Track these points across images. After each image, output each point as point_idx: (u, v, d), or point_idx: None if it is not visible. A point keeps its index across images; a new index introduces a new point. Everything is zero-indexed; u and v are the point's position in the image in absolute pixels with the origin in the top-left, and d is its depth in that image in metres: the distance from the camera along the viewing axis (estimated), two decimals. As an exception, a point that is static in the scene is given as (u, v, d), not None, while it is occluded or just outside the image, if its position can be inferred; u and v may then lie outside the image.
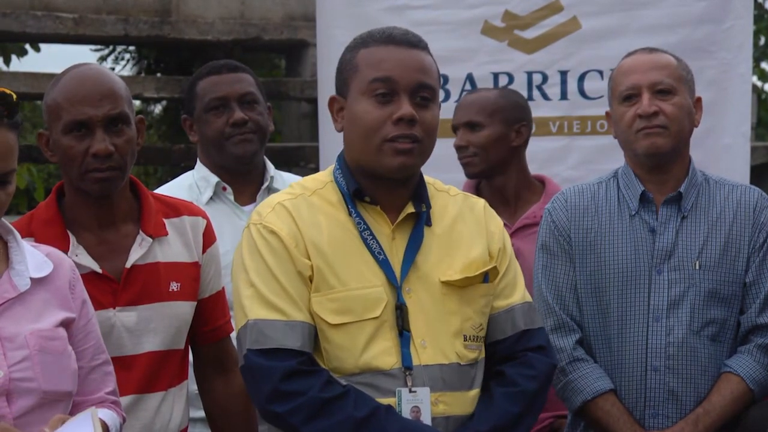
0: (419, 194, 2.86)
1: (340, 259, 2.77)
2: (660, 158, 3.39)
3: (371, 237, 2.80)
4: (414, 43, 2.84)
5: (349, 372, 2.74)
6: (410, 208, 2.83)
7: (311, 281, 2.76)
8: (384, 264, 2.78)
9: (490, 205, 4.03)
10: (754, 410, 3.35)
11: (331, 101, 2.88)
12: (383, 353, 2.75)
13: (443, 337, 2.79)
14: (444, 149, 4.92)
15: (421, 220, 2.85)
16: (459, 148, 4.12)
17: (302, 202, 2.82)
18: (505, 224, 3.99)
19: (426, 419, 2.73)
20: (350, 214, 2.82)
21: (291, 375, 2.69)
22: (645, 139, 3.37)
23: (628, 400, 3.37)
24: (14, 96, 2.58)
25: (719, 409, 3.31)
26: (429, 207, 2.86)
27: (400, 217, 2.82)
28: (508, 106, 4.16)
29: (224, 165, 3.84)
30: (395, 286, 2.78)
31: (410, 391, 2.73)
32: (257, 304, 2.75)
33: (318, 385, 2.68)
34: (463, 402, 2.80)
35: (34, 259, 2.67)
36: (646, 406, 3.36)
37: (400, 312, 2.77)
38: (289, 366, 2.69)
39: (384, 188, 2.82)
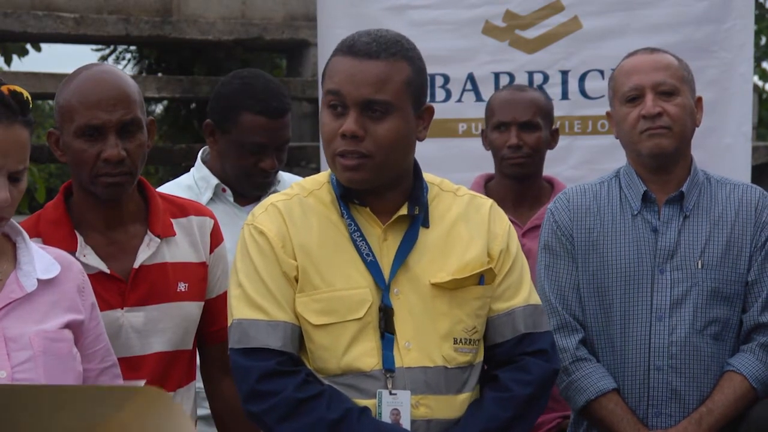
0: (415, 196, 2.84)
1: (327, 260, 2.77)
2: (664, 159, 3.40)
3: (361, 238, 2.79)
4: (374, 53, 2.75)
5: (332, 373, 2.75)
6: (403, 211, 2.82)
7: (297, 282, 2.77)
8: (372, 265, 2.78)
9: (502, 206, 4.06)
10: (759, 408, 3.35)
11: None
12: (364, 355, 2.74)
13: (430, 339, 2.78)
14: (444, 149, 4.97)
15: (416, 221, 2.83)
16: (513, 147, 4.05)
17: (296, 203, 2.83)
18: (516, 224, 4.03)
19: (405, 422, 2.73)
20: (342, 216, 2.81)
21: (268, 375, 2.71)
22: (649, 140, 3.37)
23: (631, 400, 3.37)
24: (26, 94, 2.58)
25: (722, 407, 3.32)
26: (423, 209, 2.84)
27: (391, 219, 2.81)
28: (551, 108, 4.20)
29: (238, 189, 3.82)
30: (382, 287, 2.78)
31: (390, 394, 2.73)
32: (242, 304, 2.77)
33: (293, 385, 2.70)
34: (449, 406, 2.78)
35: (42, 260, 2.67)
36: (649, 405, 3.36)
37: (384, 314, 2.76)
38: (267, 366, 2.71)
39: (372, 192, 2.81)
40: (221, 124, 3.76)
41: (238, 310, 2.78)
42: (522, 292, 2.89)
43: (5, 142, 2.51)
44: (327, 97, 2.77)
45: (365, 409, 2.71)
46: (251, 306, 2.76)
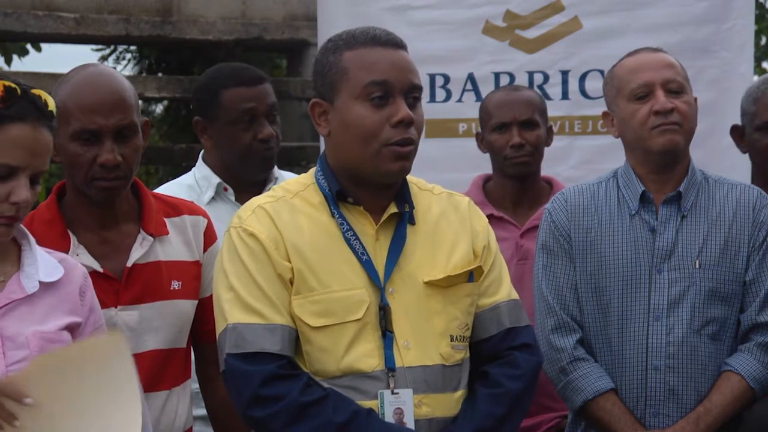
0: (402, 194, 2.83)
1: (321, 261, 2.74)
2: (673, 155, 3.39)
3: (354, 238, 2.77)
4: (399, 43, 2.80)
5: (331, 375, 2.72)
6: (393, 208, 2.81)
7: (292, 284, 2.74)
8: (367, 265, 2.76)
9: (501, 206, 4.06)
10: (758, 408, 3.34)
11: (313, 106, 2.82)
12: (365, 355, 2.72)
13: (428, 338, 2.77)
14: (444, 149, 4.96)
15: (404, 220, 2.82)
16: (516, 147, 4.04)
17: (283, 204, 2.80)
18: (514, 225, 4.02)
19: (409, 421, 2.71)
20: (333, 216, 2.79)
21: (270, 379, 2.67)
22: (661, 136, 3.36)
23: (628, 399, 3.37)
24: (49, 100, 2.58)
25: (720, 407, 3.31)
26: (412, 207, 2.84)
27: (384, 218, 2.80)
28: (545, 106, 4.20)
29: (240, 175, 3.81)
30: (378, 287, 2.76)
31: (393, 393, 2.71)
32: (237, 308, 2.73)
33: (297, 389, 2.66)
34: (448, 404, 2.78)
35: (46, 263, 2.67)
36: (647, 405, 3.35)
37: (384, 313, 2.74)
38: (268, 370, 2.67)
39: (368, 190, 2.80)
40: (207, 112, 3.78)
41: (231, 315, 2.73)
42: (504, 288, 2.91)
43: (36, 142, 2.53)
44: (368, 89, 2.74)
45: (371, 411, 2.69)
46: (246, 310, 2.72)
